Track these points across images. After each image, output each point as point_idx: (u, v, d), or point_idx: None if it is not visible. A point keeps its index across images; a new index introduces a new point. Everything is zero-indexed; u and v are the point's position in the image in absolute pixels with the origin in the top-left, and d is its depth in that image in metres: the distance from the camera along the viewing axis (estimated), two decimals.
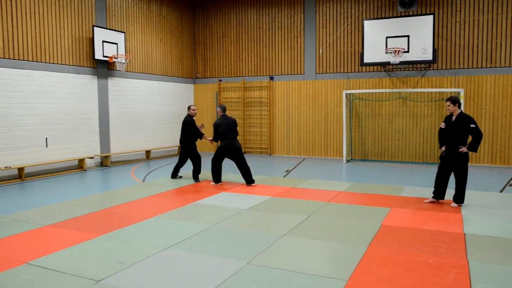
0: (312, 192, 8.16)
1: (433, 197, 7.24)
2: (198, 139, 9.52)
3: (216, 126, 8.96)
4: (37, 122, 10.26)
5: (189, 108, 9.55)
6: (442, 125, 7.10)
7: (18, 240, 5.31)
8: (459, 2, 12.17)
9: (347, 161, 13.14)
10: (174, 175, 9.79)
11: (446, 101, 6.98)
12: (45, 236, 5.45)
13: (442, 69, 12.45)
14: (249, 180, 8.82)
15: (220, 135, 8.89)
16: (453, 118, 6.92)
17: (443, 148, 7.06)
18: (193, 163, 9.49)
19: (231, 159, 8.92)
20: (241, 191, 8.34)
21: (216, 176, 9.00)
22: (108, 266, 4.42)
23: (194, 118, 9.54)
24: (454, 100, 6.85)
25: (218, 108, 9.26)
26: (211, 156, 9.36)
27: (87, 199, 7.69)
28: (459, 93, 11.74)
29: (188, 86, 15.97)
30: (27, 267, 4.40)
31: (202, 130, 9.63)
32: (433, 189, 7.33)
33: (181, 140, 9.53)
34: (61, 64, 10.88)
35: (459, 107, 6.93)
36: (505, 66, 11.76)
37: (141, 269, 4.34)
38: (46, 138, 10.49)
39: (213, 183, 9.05)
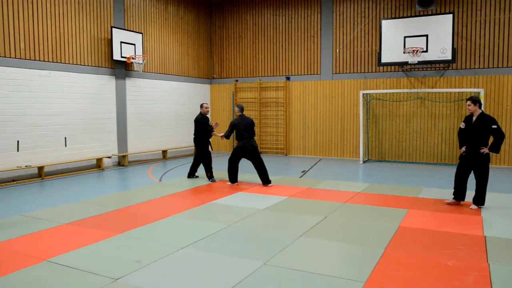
0: (328, 193, 8.11)
1: (453, 198, 7.12)
2: (214, 137, 9.53)
3: (234, 125, 8.90)
4: (56, 122, 10.43)
5: (201, 106, 9.55)
6: (462, 125, 6.98)
7: (38, 237, 5.41)
8: (480, 1, 11.95)
9: (364, 161, 13.03)
10: (191, 174, 9.83)
11: (466, 101, 6.87)
12: (64, 234, 5.53)
13: (461, 69, 12.24)
14: (265, 180, 8.81)
15: (238, 135, 8.85)
16: (474, 118, 6.81)
17: (463, 149, 6.95)
18: (202, 162, 9.52)
19: (248, 159, 8.90)
20: (258, 191, 8.33)
21: (233, 176, 8.99)
22: (126, 264, 4.46)
23: (207, 116, 9.54)
24: (475, 100, 6.73)
25: (236, 108, 9.21)
26: (228, 156, 9.38)
27: (105, 198, 7.78)
28: (479, 93, 11.53)
29: (205, 86, 16.04)
30: (46, 264, 4.47)
31: (217, 129, 9.62)
32: (452, 190, 7.21)
33: (194, 139, 9.57)
34: (80, 64, 11.04)
35: (480, 107, 6.81)
36: None
37: (158, 268, 4.37)
38: (65, 138, 10.66)
39: (229, 183, 9.04)
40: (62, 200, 7.70)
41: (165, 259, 4.61)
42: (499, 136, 6.59)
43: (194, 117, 8.98)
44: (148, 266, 4.41)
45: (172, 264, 4.48)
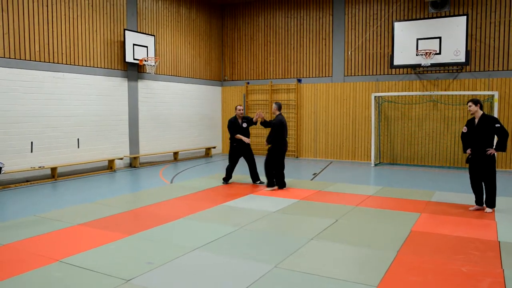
0: (340, 196, 8.07)
1: (476, 204, 7.02)
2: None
3: (282, 126, 8.51)
4: (69, 124, 10.55)
5: (235, 108, 9.36)
6: (464, 129, 6.97)
7: (51, 238, 5.46)
8: (494, 2, 11.82)
9: (375, 164, 12.94)
10: (254, 179, 9.50)
11: (467, 103, 6.86)
12: (76, 235, 5.58)
13: (475, 71, 12.11)
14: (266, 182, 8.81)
15: (281, 135, 8.54)
16: (476, 120, 6.78)
17: (469, 151, 6.90)
18: (229, 165, 9.35)
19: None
20: (269, 193, 8.32)
21: (282, 180, 8.68)
22: (138, 266, 4.48)
23: (242, 117, 9.31)
24: (476, 101, 6.76)
25: (274, 106, 8.82)
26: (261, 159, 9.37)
27: (117, 200, 7.83)
28: (493, 96, 11.39)
29: (216, 88, 16.09)
30: (59, 264, 4.51)
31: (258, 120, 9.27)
32: (466, 194, 7.14)
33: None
34: (93, 67, 11.15)
35: (481, 108, 6.78)
36: None
37: (170, 270, 4.38)
38: (78, 139, 10.77)
39: (269, 188, 8.64)
40: (74, 201, 7.77)
41: (176, 261, 4.62)
42: (504, 134, 6.57)
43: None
44: (159, 268, 4.43)
45: (183, 266, 4.49)
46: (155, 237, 5.48)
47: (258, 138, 15.12)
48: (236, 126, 9.22)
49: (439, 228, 5.92)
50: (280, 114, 8.75)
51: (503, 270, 4.36)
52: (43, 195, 8.49)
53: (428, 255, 4.82)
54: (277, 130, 8.52)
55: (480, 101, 6.79)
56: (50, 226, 5.95)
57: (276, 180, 8.68)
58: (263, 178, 9.37)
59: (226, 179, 9.45)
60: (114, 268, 4.41)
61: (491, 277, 4.16)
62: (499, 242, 5.28)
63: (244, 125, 9.33)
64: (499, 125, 6.60)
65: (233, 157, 9.34)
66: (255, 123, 9.43)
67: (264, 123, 9.06)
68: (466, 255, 4.79)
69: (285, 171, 8.88)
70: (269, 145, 8.68)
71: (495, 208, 6.86)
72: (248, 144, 9.29)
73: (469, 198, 7.49)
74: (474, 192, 6.98)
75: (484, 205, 6.93)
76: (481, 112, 6.78)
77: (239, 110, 9.30)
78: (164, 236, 5.56)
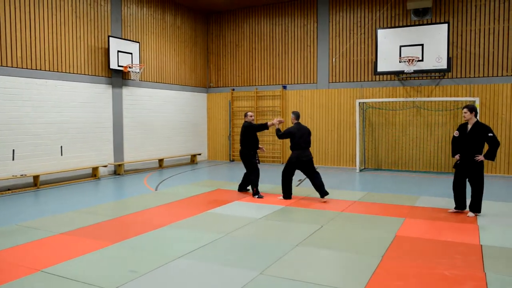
0: (325, 202, 8.09)
1: (455, 208, 7.13)
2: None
3: (290, 134, 8.19)
4: (52, 131, 10.41)
5: (245, 115, 8.85)
6: (456, 133, 7.03)
7: (32, 247, 5.36)
8: (474, 11, 12.07)
9: (360, 170, 13.04)
10: (242, 187, 9.18)
11: (462, 109, 6.92)
12: (59, 244, 5.49)
13: (457, 77, 12.32)
14: (322, 193, 8.15)
15: (294, 145, 8.18)
16: (469, 126, 6.85)
17: (457, 157, 6.98)
18: (250, 176, 8.72)
19: (302, 170, 8.29)
20: (254, 200, 8.31)
21: (288, 190, 8.31)
22: (121, 274, 4.42)
23: (251, 123, 8.80)
24: (471, 108, 6.79)
25: (292, 115, 8.40)
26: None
27: (101, 208, 7.74)
28: (474, 102, 11.59)
29: (201, 95, 16.07)
30: (41, 274, 4.43)
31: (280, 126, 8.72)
32: (449, 199, 7.22)
33: (240, 152, 8.77)
34: (77, 73, 11.04)
35: (476, 115, 6.85)
36: None
37: (153, 278, 4.33)
38: (61, 147, 10.63)
39: (281, 197, 8.37)
40: (57, 210, 7.65)
41: (160, 269, 4.58)
42: (495, 144, 6.64)
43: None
44: (143, 276, 4.37)
45: (167, 274, 4.45)
46: (139, 245, 5.42)
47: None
48: (253, 131, 8.65)
49: (423, 233, 5.98)
50: (298, 123, 8.32)
51: (485, 273, 4.41)
52: (25, 204, 8.34)
53: (412, 259, 4.86)
54: (289, 138, 8.23)
55: (475, 108, 6.84)
56: (31, 235, 5.84)
57: (282, 188, 8.34)
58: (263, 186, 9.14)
59: (257, 193, 8.56)
60: (97, 277, 4.34)
61: (473, 281, 4.21)
62: (481, 246, 5.35)
63: (278, 120, 8.72)
64: (491, 134, 6.67)
65: (256, 167, 8.66)
66: (268, 128, 8.74)
67: (278, 133, 8.46)
68: (449, 259, 4.85)
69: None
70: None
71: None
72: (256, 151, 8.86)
73: (453, 202, 7.58)
74: (456, 196, 7.07)
75: (467, 209, 7.03)
76: (475, 119, 6.86)
77: (251, 116, 8.82)
78: (148, 244, 5.50)
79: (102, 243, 5.49)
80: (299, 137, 8.16)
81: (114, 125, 12.16)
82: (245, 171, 9.02)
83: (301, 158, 8.15)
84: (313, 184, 8.28)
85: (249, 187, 9.16)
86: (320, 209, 7.52)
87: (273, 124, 8.43)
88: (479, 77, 12.06)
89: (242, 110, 15.52)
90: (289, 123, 8.67)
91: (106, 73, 11.89)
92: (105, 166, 11.74)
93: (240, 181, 9.29)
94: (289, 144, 8.37)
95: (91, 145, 11.46)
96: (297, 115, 8.39)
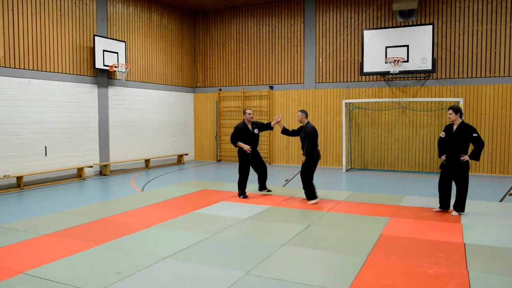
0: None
1: (439, 207, 7.22)
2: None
3: (316, 134, 7.96)
4: (36, 131, 10.26)
5: (244, 112, 8.51)
6: (442, 134, 7.11)
7: (16, 249, 5.28)
8: (458, 13, 12.24)
9: (347, 170, 13.12)
10: (261, 188, 8.96)
11: (448, 110, 7.00)
12: (42, 246, 5.42)
13: (441, 78, 12.47)
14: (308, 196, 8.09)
15: (314, 143, 7.93)
16: (454, 127, 6.94)
17: (443, 157, 7.07)
18: (258, 172, 8.71)
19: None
20: (241, 200, 8.30)
21: (314, 191, 8.06)
22: (106, 276, 4.38)
23: (253, 121, 8.56)
24: (456, 110, 6.88)
25: (301, 114, 8.11)
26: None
27: (86, 208, 7.65)
28: (458, 102, 11.75)
29: (188, 95, 16.01)
30: (24, 277, 4.36)
31: (280, 123, 8.52)
32: (434, 198, 7.31)
33: (238, 150, 8.57)
34: (62, 73, 10.91)
35: (461, 116, 6.95)
36: (504, 76, 11.79)
37: (139, 280, 4.30)
38: (46, 147, 10.49)
39: (313, 201, 8.01)
40: (41, 211, 7.55)
41: (146, 270, 4.55)
42: (480, 144, 6.74)
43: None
44: (128, 278, 4.34)
45: (153, 275, 4.42)
46: (125, 247, 5.38)
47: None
48: (244, 132, 8.37)
49: (408, 232, 6.04)
50: (309, 122, 8.15)
51: (468, 271, 4.48)
52: (8, 205, 8.21)
53: (397, 258, 4.91)
54: (314, 138, 7.91)
55: (460, 110, 6.92)
56: (14, 237, 5.75)
57: (312, 190, 8.05)
58: (269, 186, 9.05)
59: (242, 193, 8.48)
60: (81, 279, 4.30)
61: (456, 279, 4.27)
62: (465, 244, 5.42)
63: (256, 131, 8.51)
64: (476, 135, 6.76)
65: (244, 167, 8.47)
66: (272, 128, 8.66)
67: (286, 132, 8.43)
68: (434, 258, 4.90)
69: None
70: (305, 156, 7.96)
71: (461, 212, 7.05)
72: (257, 151, 8.66)
73: (437, 202, 7.67)
74: (441, 196, 7.17)
75: (451, 209, 7.13)
76: (460, 120, 6.94)
77: (249, 114, 8.42)
78: (133, 245, 5.46)
79: (87, 244, 5.43)
80: (317, 137, 8.05)
81: (100, 125, 12.04)
82: (259, 170, 8.82)
83: (319, 157, 8.07)
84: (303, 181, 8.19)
85: (269, 189, 9.02)
86: (306, 208, 7.55)
87: (277, 123, 8.39)
88: (463, 78, 12.23)
89: (229, 110, 15.51)
90: (293, 124, 8.58)
91: (92, 73, 11.77)
92: (91, 167, 11.61)
93: (238, 181, 8.68)
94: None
95: (76, 145, 11.33)
96: (307, 114, 8.20)
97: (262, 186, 8.96)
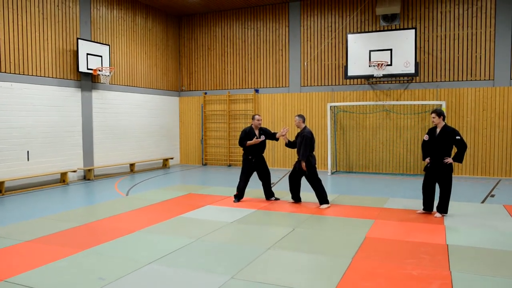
0: (296, 205, 8.16)
1: (423, 209, 7.31)
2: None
3: (313, 138, 7.98)
4: (18, 135, 10.10)
5: (253, 118, 8.45)
6: (426, 137, 7.21)
7: None
8: (440, 17, 12.44)
9: (332, 173, 13.20)
10: (268, 196, 8.70)
11: (431, 113, 7.10)
12: (24, 252, 5.33)
13: (424, 82, 12.65)
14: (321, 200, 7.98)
15: (312, 148, 7.94)
16: (438, 130, 7.04)
17: (427, 160, 7.16)
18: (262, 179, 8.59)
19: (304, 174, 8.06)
20: (226, 204, 8.29)
21: (325, 195, 7.95)
22: (89, 282, 4.33)
23: (260, 127, 8.46)
24: (439, 113, 6.98)
25: (298, 118, 8.07)
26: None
27: (69, 214, 7.55)
28: (441, 105, 11.93)
29: (173, 98, 15.94)
30: (4, 285, 4.28)
31: (286, 136, 8.38)
32: (418, 200, 7.40)
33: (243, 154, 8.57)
34: (44, 76, 10.77)
35: (444, 119, 7.06)
36: (485, 79, 12.01)
37: (123, 285, 4.26)
38: (28, 152, 10.33)
39: (325, 205, 7.90)
40: (23, 217, 7.42)
41: (130, 276, 4.50)
42: (462, 146, 6.85)
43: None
44: (112, 284, 4.29)
45: (137, 281, 4.38)
46: (108, 252, 5.32)
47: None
48: (251, 137, 8.29)
49: (392, 234, 6.10)
50: (306, 126, 8.13)
51: (451, 272, 4.54)
52: None
53: (381, 260, 4.95)
54: (310, 143, 7.86)
55: (443, 113, 7.03)
56: None
57: (324, 194, 7.94)
58: (277, 194, 8.97)
59: (238, 197, 8.47)
60: (64, 286, 4.24)
61: (439, 279, 4.32)
62: (448, 245, 5.50)
63: (262, 137, 8.38)
64: (459, 137, 6.87)
65: (246, 172, 8.42)
66: (277, 140, 8.54)
67: (291, 145, 8.32)
68: (417, 259, 4.96)
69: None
70: (302, 161, 7.86)
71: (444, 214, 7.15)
72: (263, 157, 8.56)
73: (420, 204, 7.77)
74: (424, 198, 7.26)
75: (435, 210, 7.22)
76: (443, 123, 7.05)
77: (258, 120, 8.38)
78: (117, 250, 5.41)
79: (70, 250, 5.36)
80: (314, 142, 8.05)
81: (83, 129, 11.91)
82: (263, 178, 8.64)
83: (315, 161, 8.04)
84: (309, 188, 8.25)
85: (275, 195, 8.82)
86: (291, 212, 7.57)
87: (282, 135, 8.24)
88: (445, 81, 12.43)
89: (214, 113, 15.48)
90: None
91: (75, 76, 11.64)
92: (74, 171, 11.47)
93: (238, 184, 8.61)
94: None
95: (60, 149, 11.18)
96: (304, 118, 8.18)
97: (269, 194, 8.67)
